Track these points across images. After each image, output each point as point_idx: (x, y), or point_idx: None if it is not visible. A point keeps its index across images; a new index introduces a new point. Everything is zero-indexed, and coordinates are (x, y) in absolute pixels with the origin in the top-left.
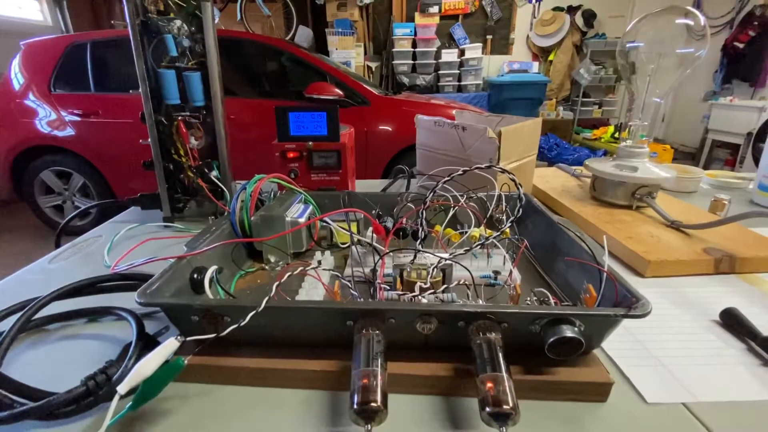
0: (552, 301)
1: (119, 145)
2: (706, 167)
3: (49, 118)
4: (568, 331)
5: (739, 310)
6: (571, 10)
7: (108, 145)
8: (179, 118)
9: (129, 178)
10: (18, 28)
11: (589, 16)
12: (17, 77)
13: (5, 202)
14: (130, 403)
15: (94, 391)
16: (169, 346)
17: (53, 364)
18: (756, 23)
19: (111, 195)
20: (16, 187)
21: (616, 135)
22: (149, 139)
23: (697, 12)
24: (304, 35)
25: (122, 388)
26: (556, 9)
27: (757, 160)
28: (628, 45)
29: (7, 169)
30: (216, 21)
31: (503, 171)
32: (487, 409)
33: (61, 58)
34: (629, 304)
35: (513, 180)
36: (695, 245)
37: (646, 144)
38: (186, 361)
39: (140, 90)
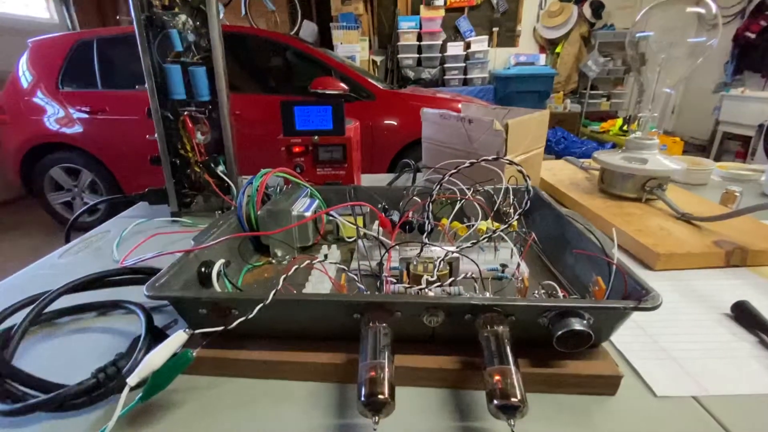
0: (560, 293)
1: (127, 142)
2: (716, 159)
3: (57, 116)
4: (577, 324)
5: (751, 303)
6: (579, 1)
7: (116, 141)
8: (185, 113)
9: (137, 174)
10: (25, 26)
11: (598, 7)
12: (25, 75)
13: (16, 199)
14: (140, 394)
15: (104, 383)
16: (177, 338)
17: (63, 357)
18: None
19: (119, 191)
20: (26, 184)
21: (625, 128)
22: (156, 135)
23: (709, 0)
24: (308, 30)
25: (132, 380)
26: (564, 0)
27: None
28: (638, 35)
29: (17, 166)
30: (220, 16)
31: (511, 163)
32: (495, 401)
33: (68, 55)
34: (639, 296)
35: (521, 172)
36: (706, 238)
37: (655, 135)
38: (194, 354)
39: (146, 85)
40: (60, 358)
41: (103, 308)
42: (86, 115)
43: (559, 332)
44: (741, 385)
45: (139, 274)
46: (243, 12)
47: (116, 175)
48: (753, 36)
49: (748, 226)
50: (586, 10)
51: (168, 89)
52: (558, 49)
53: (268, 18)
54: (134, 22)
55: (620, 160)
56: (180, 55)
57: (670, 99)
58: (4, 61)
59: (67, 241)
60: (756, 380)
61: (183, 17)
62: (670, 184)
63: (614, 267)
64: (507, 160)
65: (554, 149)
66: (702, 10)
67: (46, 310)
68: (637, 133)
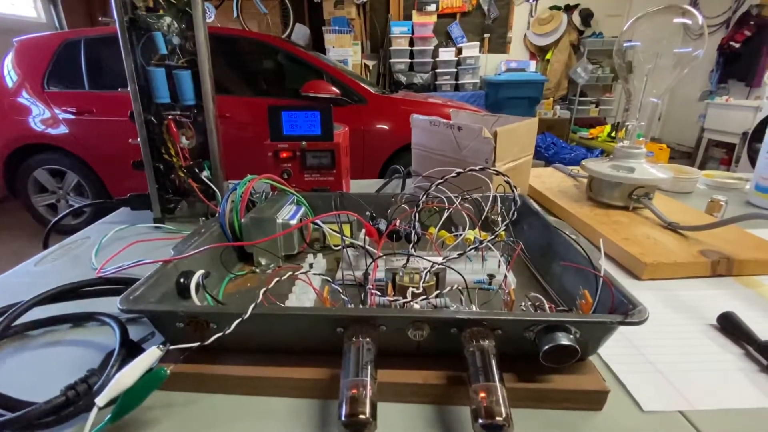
0: (547, 306)
1: (113, 144)
2: (701, 167)
3: (42, 116)
4: (564, 339)
5: (737, 314)
6: (569, 9)
7: (102, 143)
8: (169, 117)
9: (124, 177)
10: (10, 24)
11: (587, 15)
12: (10, 75)
13: None
14: (110, 415)
15: (74, 401)
16: (150, 355)
17: (35, 372)
18: (752, 23)
19: (106, 194)
20: (10, 185)
21: (613, 134)
22: (139, 139)
23: (694, 11)
24: (300, 33)
25: (101, 400)
26: (554, 8)
27: (752, 160)
28: (625, 44)
29: (0, 168)
30: (212, 18)
31: (498, 173)
32: (480, 420)
33: (55, 55)
34: (626, 310)
35: (508, 182)
36: (692, 247)
37: (643, 144)
38: (170, 370)
39: (129, 88)
40: (30, 373)
41: (77, 320)
42: (72, 116)
43: (546, 347)
44: (728, 399)
45: (115, 285)
46: (235, 14)
47: (102, 178)
48: (737, 45)
49: (733, 235)
50: (576, 18)
51: (152, 93)
52: (548, 56)
53: (260, 20)
54: (117, 24)
55: (608, 168)
56: (164, 58)
57: (657, 108)
58: None
59: (45, 247)
60: (742, 394)
61: (168, 19)
62: (656, 192)
63: (601, 280)
64: (494, 170)
65: (544, 155)
66: (688, 21)
67: (17, 322)
68: (625, 141)
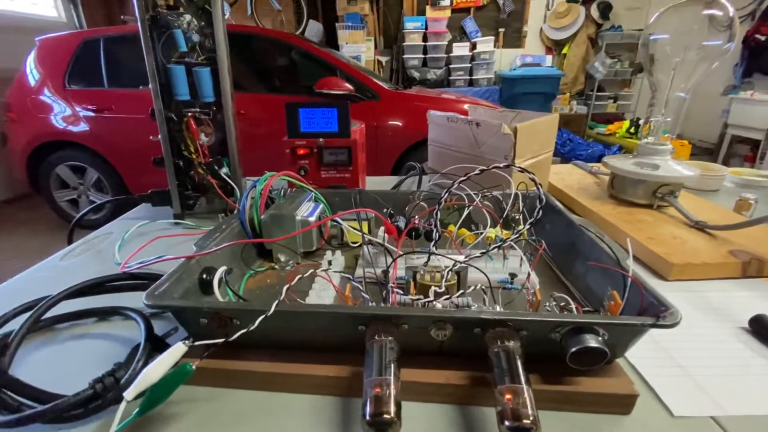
0: (573, 306)
1: (132, 141)
2: (724, 163)
3: (63, 114)
4: (592, 341)
5: None
6: (586, 1)
7: (121, 140)
8: (189, 114)
9: (142, 173)
10: (33, 24)
11: (605, 8)
12: (32, 73)
13: (22, 196)
14: (138, 408)
15: (102, 394)
16: (176, 350)
17: (62, 365)
18: None
19: (125, 190)
20: (33, 181)
21: (632, 130)
22: (159, 136)
23: (724, 1)
24: (314, 30)
25: (129, 395)
26: (571, 1)
27: None
28: (651, 37)
29: (23, 164)
30: (226, 16)
31: (522, 170)
32: (507, 422)
33: (75, 54)
34: (656, 312)
35: (533, 180)
36: (721, 247)
37: (668, 141)
38: (194, 366)
39: (150, 86)
40: (58, 365)
41: (103, 314)
42: (92, 114)
43: (573, 349)
44: (761, 404)
45: (139, 280)
46: (249, 11)
47: (122, 174)
48: (763, 38)
49: (764, 235)
50: (594, 11)
51: (172, 90)
52: (564, 50)
53: (273, 17)
54: (138, 22)
55: (631, 165)
56: (184, 56)
57: (683, 103)
58: (13, 59)
59: (70, 242)
60: None
61: (188, 17)
62: (681, 190)
63: (630, 280)
64: (519, 168)
65: (560, 151)
66: (719, 12)
67: (45, 315)
68: (649, 138)
